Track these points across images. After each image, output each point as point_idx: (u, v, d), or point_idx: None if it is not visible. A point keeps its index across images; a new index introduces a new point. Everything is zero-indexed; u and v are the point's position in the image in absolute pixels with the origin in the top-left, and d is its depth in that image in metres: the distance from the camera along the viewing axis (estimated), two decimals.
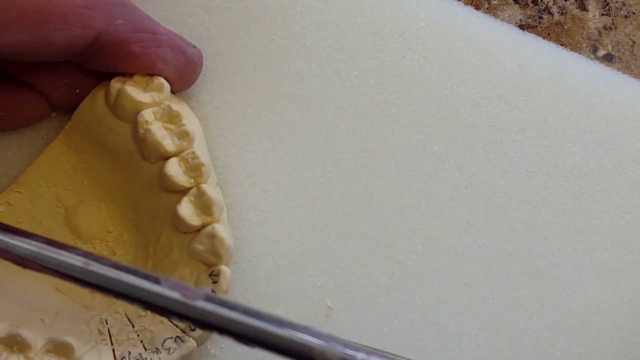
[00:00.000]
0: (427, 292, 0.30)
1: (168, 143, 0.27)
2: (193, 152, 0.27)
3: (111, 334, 0.27)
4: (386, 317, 0.30)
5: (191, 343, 0.26)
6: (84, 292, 0.28)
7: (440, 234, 0.31)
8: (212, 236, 0.27)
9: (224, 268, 0.27)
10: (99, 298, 0.28)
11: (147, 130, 0.27)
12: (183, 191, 0.27)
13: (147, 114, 0.28)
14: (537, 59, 0.33)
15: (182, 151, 0.27)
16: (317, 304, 0.30)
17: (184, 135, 0.28)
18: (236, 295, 0.30)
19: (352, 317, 0.30)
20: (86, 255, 0.24)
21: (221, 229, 0.27)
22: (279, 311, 0.30)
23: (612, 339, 0.30)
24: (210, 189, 0.27)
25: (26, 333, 0.25)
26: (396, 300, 0.30)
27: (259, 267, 0.30)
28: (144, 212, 0.29)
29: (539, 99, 0.32)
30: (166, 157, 0.27)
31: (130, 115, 0.28)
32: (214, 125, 0.31)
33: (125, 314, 0.27)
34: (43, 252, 0.24)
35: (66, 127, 0.30)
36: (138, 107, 0.28)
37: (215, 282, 0.27)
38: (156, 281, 0.23)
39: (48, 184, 0.29)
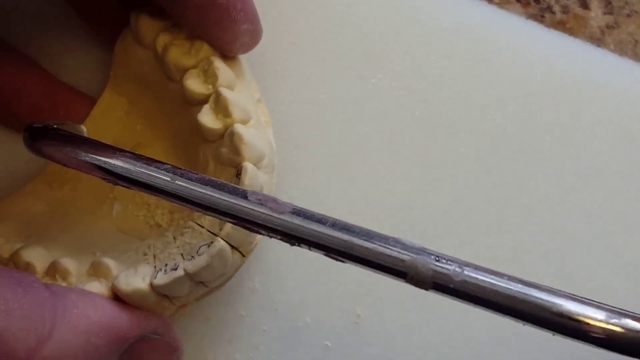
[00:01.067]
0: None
1: (185, 56, 0.27)
2: (208, 59, 0.27)
3: (154, 253, 0.27)
4: (416, 325, 0.29)
5: (219, 242, 0.25)
6: (143, 230, 0.29)
7: (468, 237, 0.30)
8: (232, 134, 0.26)
9: (246, 164, 0.26)
10: (155, 231, 0.29)
11: (165, 49, 0.27)
12: (205, 100, 0.27)
13: (164, 35, 0.28)
14: (565, 57, 0.32)
15: (200, 62, 0.27)
16: (346, 312, 0.29)
17: (200, 48, 0.27)
18: (263, 303, 0.29)
19: (382, 325, 0.29)
20: (173, 170, 0.24)
21: (240, 127, 0.26)
22: (307, 319, 0.29)
23: None
24: (226, 91, 0.26)
25: (65, 261, 0.26)
26: (426, 308, 0.30)
27: (288, 275, 0.29)
28: (185, 136, 0.28)
29: (566, 97, 0.31)
30: (185, 71, 0.27)
31: (151, 40, 0.28)
32: None
33: (173, 236, 0.27)
34: (132, 168, 0.24)
35: (111, 73, 0.30)
36: (156, 31, 0.28)
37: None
38: (244, 195, 0.23)
39: (106, 133, 0.29)
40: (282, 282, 0.29)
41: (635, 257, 0.30)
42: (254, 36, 0.28)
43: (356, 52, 0.31)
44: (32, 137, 0.26)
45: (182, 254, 0.26)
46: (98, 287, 0.25)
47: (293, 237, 0.22)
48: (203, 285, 0.26)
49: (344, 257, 0.21)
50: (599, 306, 0.20)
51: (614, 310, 0.20)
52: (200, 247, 0.25)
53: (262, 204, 0.23)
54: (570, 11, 0.34)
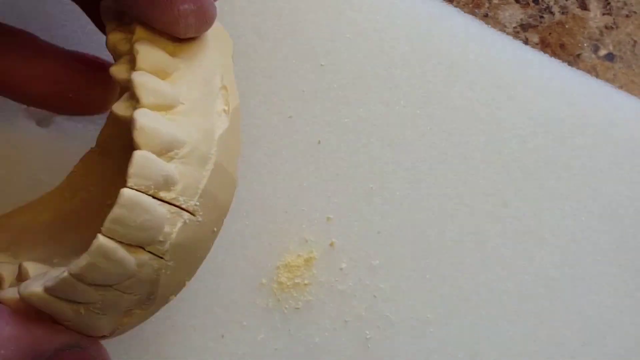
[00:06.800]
0: (468, 329, 0.30)
1: (121, 42, 0.25)
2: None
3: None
4: (426, 353, 0.30)
5: (97, 239, 0.21)
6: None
7: (484, 269, 0.30)
8: (131, 121, 0.23)
9: (135, 152, 0.22)
10: None
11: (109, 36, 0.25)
12: None
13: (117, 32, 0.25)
14: (586, 96, 0.32)
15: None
16: (356, 335, 0.30)
17: (134, 31, 0.24)
18: (276, 323, 0.30)
19: (391, 350, 0.30)
20: None
21: (139, 112, 0.22)
22: (317, 340, 0.30)
23: None
24: (137, 74, 0.23)
25: (1, 267, 0.25)
26: (436, 337, 0.30)
27: (301, 296, 0.29)
28: None
29: (586, 136, 0.31)
30: None
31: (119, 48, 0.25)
32: (253, 140, 0.31)
33: None
34: None
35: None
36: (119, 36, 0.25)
37: None
38: None
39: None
40: (295, 303, 0.30)
41: None
42: (199, 16, 0.24)
43: (381, 78, 0.31)
44: None
45: None
46: (14, 292, 0.23)
47: None
48: (119, 292, 0.22)
49: None
50: None
51: None
52: None
53: None
54: (569, 12, 0.34)
